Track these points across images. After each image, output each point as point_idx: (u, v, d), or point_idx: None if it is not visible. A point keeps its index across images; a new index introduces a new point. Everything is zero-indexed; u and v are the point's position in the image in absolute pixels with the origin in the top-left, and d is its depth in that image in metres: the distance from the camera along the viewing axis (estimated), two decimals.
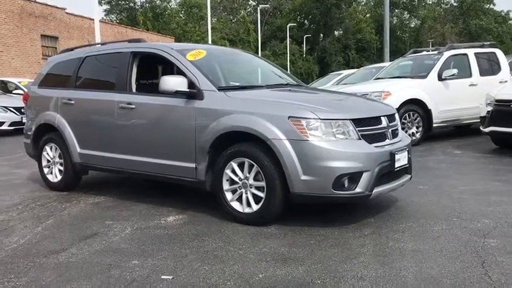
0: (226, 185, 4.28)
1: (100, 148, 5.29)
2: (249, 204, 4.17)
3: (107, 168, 5.34)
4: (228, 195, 4.28)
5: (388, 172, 4.15)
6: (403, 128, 8.63)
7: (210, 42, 28.74)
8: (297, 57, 56.82)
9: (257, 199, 4.13)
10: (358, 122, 4.04)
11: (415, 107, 8.84)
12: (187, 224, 4.29)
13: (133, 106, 4.91)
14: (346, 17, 61.94)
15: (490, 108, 7.62)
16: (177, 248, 3.67)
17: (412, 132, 8.88)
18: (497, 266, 3.14)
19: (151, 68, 4.94)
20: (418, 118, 8.89)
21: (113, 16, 56.25)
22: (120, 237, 4.00)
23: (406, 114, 8.78)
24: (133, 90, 5.08)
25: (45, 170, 5.97)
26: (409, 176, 4.61)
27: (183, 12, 56.98)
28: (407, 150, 4.38)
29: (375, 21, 62.24)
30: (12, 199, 5.48)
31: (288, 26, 52.36)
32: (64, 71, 5.91)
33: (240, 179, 4.19)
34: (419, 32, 68.90)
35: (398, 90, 8.85)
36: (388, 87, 8.92)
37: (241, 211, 4.21)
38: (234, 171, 4.21)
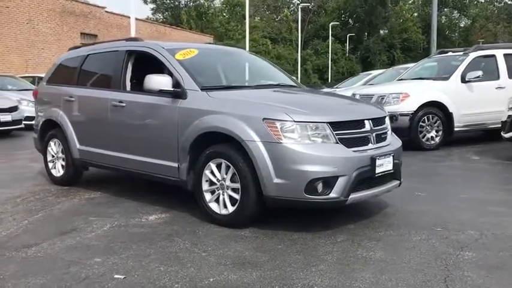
0: (205, 186, 4.26)
1: (96, 145, 5.39)
2: (225, 206, 4.12)
3: (102, 165, 5.42)
4: (207, 196, 4.25)
5: (368, 178, 4.00)
6: (420, 132, 8.36)
7: (247, 41, 28.77)
8: (339, 56, 56.06)
9: (233, 201, 4.08)
10: (336, 125, 3.91)
11: (435, 110, 8.51)
12: (165, 224, 4.30)
13: (124, 104, 4.97)
14: (392, 15, 60.54)
15: (511, 113, 7.24)
16: (144, 248, 3.67)
17: (431, 136, 8.56)
18: (460, 281, 2.96)
19: (147, 67, 4.96)
20: (438, 121, 8.55)
21: (159, 15, 57.42)
22: (95, 234, 4.05)
23: (425, 117, 8.46)
24: (128, 88, 5.14)
25: (50, 165, 6.13)
26: (398, 182, 4.43)
27: (226, 11, 57.40)
28: (393, 155, 4.20)
29: (422, 20, 60.57)
30: (14, 192, 5.66)
31: (330, 24, 51.74)
32: (69, 68, 6.05)
33: (218, 180, 4.16)
34: (470, 31, 66.44)
35: (417, 92, 8.55)
36: (406, 88, 8.64)
37: (219, 212, 4.17)
38: (212, 172, 4.18)
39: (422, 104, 8.39)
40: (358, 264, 3.26)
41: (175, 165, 4.47)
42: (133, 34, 17.94)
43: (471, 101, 8.70)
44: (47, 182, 6.18)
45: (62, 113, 5.83)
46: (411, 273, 3.10)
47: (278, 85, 5.02)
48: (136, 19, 22.11)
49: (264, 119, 3.84)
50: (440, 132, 8.61)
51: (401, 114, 8.34)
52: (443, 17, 63.81)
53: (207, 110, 4.21)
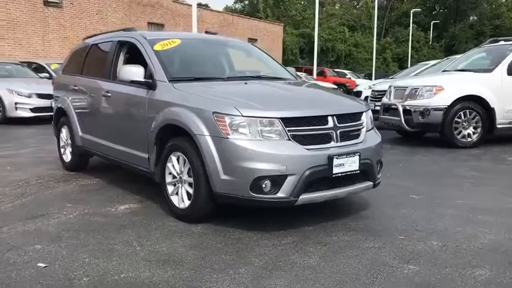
0: (168, 178, 4.22)
1: (92, 133, 5.55)
2: (183, 200, 4.06)
3: (96, 153, 5.57)
4: (170, 189, 4.21)
5: (325, 178, 3.75)
6: (456, 128, 7.76)
7: (316, 28, 28.29)
8: (422, 44, 53.43)
9: (190, 196, 4.01)
10: (290, 121, 3.69)
11: (473, 105, 7.82)
12: (130, 214, 4.32)
13: (110, 94, 5.05)
14: (482, 0, 56.54)
15: None
16: (89, 237, 3.71)
17: (468, 133, 7.89)
18: None
19: (135, 57, 4.99)
20: (477, 117, 7.85)
21: (239, 4, 58.09)
22: (58, 221, 4.15)
23: (462, 113, 7.80)
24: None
25: (62, 151, 6.41)
26: (370, 183, 4.12)
27: None
28: (360, 155, 3.89)
29: None
30: (23, 175, 5.95)
31: (411, 11, 49.36)
32: (77, 58, 6.25)
33: (178, 174, 4.10)
34: None
35: (452, 85, 7.91)
36: (441, 81, 8.02)
37: (177, 206, 4.12)
38: (173, 165, 4.14)
39: (458, 98, 7.74)
40: (281, 271, 3.07)
41: (146, 156, 4.48)
42: (194, 23, 18.29)
43: None
44: (60, 167, 6.46)
45: (68, 101, 6.05)
46: (330, 284, 2.87)
47: (258, 77, 4.83)
48: (203, 8, 22.55)
49: (213, 112, 3.72)
50: (479, 129, 7.91)
51: (434, 109, 7.75)
52: None
53: (169, 102, 4.16)
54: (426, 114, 7.80)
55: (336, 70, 34.72)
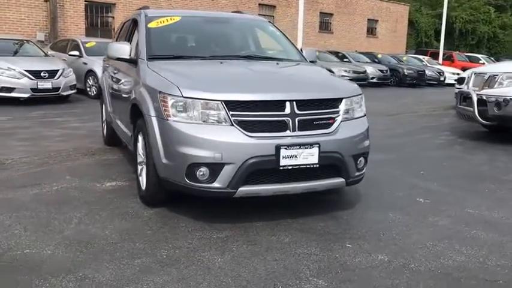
0: (139, 158, 4.14)
1: (112, 111, 5.68)
2: (143, 182, 3.95)
3: (115, 129, 5.70)
4: (138, 169, 4.13)
5: (273, 170, 3.35)
6: None
7: (445, 8, 25.98)
8: None
9: None
10: (236, 105, 3.34)
11: None
12: (105, 192, 4.32)
13: (116, 71, 5.10)
14: None
15: None
16: (42, 211, 3.76)
17: None
18: None
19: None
20: None
21: None
22: (39, 191, 4.30)
23: None
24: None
25: (103, 125, 6.70)
26: (341, 180, 3.60)
27: None
28: (319, 147, 3.39)
29: None
30: (64, 146, 6.28)
31: None
32: (119, 33, 6.38)
33: (142, 154, 4.00)
34: None
35: None
36: None
37: (141, 187, 4.02)
38: (140, 146, 4.04)
39: None
40: (176, 267, 2.83)
41: (130, 134, 4.45)
42: (301, 5, 17.94)
43: None
44: (100, 141, 6.74)
45: (103, 78, 6.27)
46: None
47: (247, 57, 4.46)
48: None
49: (159, 92, 3.53)
50: None
51: None
52: None
53: (138, 81, 4.06)
54: (503, 105, 6.65)
55: (467, 55, 31.57)
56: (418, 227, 3.54)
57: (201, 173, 3.34)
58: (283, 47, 4.88)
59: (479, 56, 31.64)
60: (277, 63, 4.42)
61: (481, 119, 7.03)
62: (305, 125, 3.46)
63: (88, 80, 12.18)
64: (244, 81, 3.76)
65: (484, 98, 6.93)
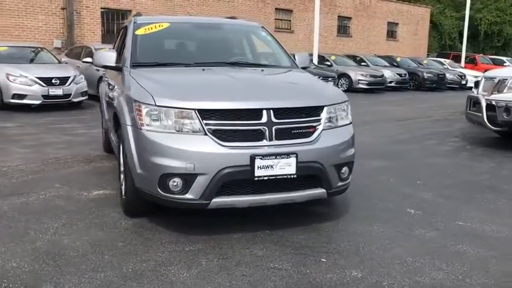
0: (122, 167, 4.08)
1: (107, 118, 5.65)
2: (123, 191, 3.89)
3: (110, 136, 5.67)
4: (121, 178, 4.07)
5: (248, 181, 3.24)
6: None
7: (467, 9, 25.40)
8: None
9: None
10: (210, 114, 3.25)
11: None
12: (91, 201, 4.29)
13: (107, 79, 5.08)
14: None
15: None
16: (21, 221, 3.73)
17: None
18: None
19: None
20: None
21: None
22: (24, 200, 4.28)
23: None
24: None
25: (102, 132, 6.69)
26: (322, 190, 3.46)
27: None
28: (296, 157, 3.27)
29: None
30: (63, 153, 6.30)
31: None
32: (116, 40, 6.35)
33: (123, 163, 3.94)
34: None
35: None
36: None
37: (123, 197, 3.97)
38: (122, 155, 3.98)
39: None
40: (139, 281, 2.73)
41: (116, 142, 4.41)
42: (317, 9, 17.83)
43: None
44: (101, 147, 6.74)
45: (102, 85, 6.25)
46: None
47: (231, 63, 4.34)
48: None
49: (135, 101, 3.46)
50: None
51: None
52: None
53: (122, 89, 4.00)
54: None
55: (491, 57, 30.80)
56: (402, 240, 3.38)
57: (174, 184, 3.26)
58: (274, 53, 4.77)
59: (504, 58, 30.84)
60: (262, 70, 4.32)
61: (490, 125, 6.78)
62: (283, 134, 3.34)
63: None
64: (221, 89, 3.66)
65: (493, 103, 6.67)
